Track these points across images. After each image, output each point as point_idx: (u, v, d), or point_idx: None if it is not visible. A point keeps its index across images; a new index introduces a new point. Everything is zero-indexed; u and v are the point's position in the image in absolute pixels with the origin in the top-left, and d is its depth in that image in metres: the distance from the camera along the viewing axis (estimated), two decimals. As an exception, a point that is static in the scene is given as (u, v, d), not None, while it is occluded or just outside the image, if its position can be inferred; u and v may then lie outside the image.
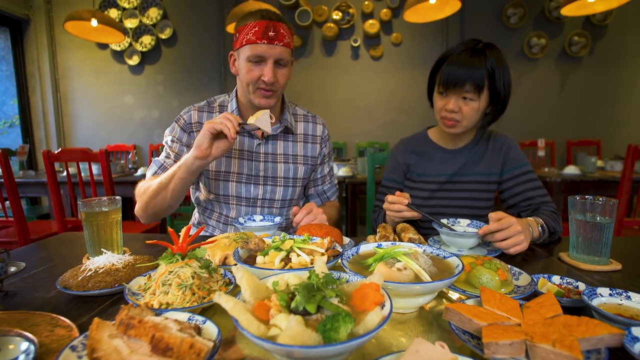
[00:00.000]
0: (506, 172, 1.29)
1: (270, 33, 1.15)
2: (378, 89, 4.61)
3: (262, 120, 1.06)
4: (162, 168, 1.29)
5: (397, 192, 1.12)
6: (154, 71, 4.74)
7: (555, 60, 4.43)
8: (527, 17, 4.32)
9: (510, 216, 0.98)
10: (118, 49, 4.67)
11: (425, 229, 1.38)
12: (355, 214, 3.04)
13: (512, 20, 4.34)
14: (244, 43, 1.17)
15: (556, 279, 0.78)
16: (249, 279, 0.56)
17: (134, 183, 3.03)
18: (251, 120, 1.06)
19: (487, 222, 1.06)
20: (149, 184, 1.22)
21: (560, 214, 1.22)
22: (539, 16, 4.36)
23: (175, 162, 1.28)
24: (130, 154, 3.92)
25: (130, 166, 3.74)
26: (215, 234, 1.38)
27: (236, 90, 1.36)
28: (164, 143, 1.35)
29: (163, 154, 1.33)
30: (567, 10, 3.01)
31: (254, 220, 1.20)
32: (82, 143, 4.85)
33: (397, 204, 1.10)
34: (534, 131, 4.47)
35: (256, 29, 1.15)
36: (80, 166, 2.47)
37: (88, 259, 0.96)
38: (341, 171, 3.06)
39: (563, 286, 0.76)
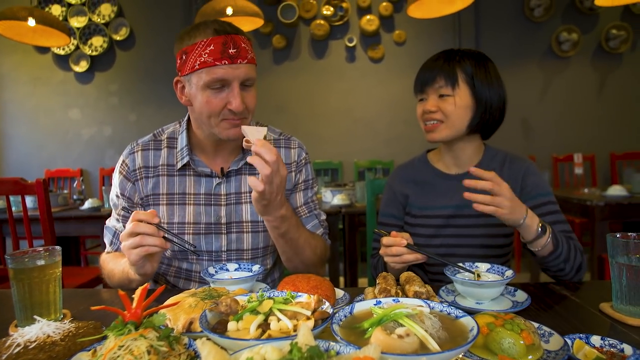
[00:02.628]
0: (524, 202, 1.31)
1: (230, 50, 1.13)
2: (379, 97, 4.71)
3: (253, 132, 1.08)
4: (117, 237, 1.34)
5: (393, 233, 1.14)
6: (107, 79, 4.80)
7: (590, 58, 4.59)
8: (554, 9, 4.51)
9: (496, 176, 1.08)
10: (62, 52, 4.74)
11: (434, 274, 1.39)
12: (354, 250, 3.04)
13: (537, 13, 4.52)
14: (197, 67, 1.14)
15: (596, 339, 0.79)
16: (218, 355, 0.57)
17: (79, 219, 3.07)
18: (247, 132, 1.08)
19: (507, 264, 1.09)
20: (111, 267, 1.27)
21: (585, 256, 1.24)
22: (568, 7, 4.55)
23: (125, 226, 1.32)
24: (76, 182, 3.90)
25: (75, 197, 3.71)
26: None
27: (188, 120, 1.36)
28: (110, 200, 1.39)
29: (113, 215, 1.38)
30: (602, 0, 3.13)
31: (227, 269, 1.20)
32: (15, 168, 4.83)
33: (394, 246, 1.11)
34: (569, 143, 4.57)
35: (211, 47, 1.13)
36: (11, 199, 2.45)
37: (17, 327, 0.94)
38: (336, 199, 3.08)
39: (605, 349, 0.76)
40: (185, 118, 1.37)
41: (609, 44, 4.52)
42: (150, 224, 1.04)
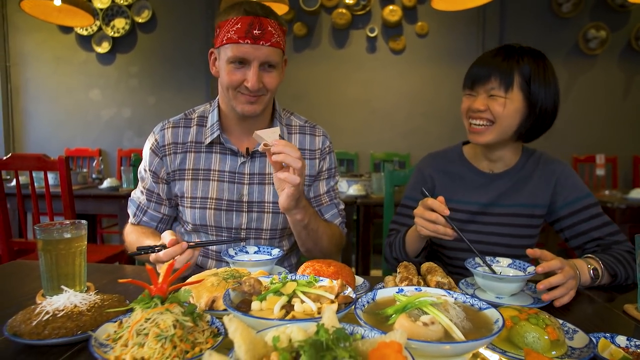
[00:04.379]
0: (563, 207, 1.29)
1: (255, 31, 1.19)
2: (399, 89, 4.66)
3: (267, 134, 1.10)
4: (140, 210, 1.41)
5: (440, 198, 1.09)
6: (127, 61, 4.84)
7: (617, 57, 4.48)
8: (583, 5, 4.39)
9: (562, 261, 1.00)
10: (85, 33, 4.78)
11: (454, 267, 1.38)
12: (368, 241, 3.04)
13: (565, 9, 4.41)
14: (224, 42, 1.22)
15: (621, 340, 0.78)
16: (244, 332, 0.57)
17: (98, 197, 3.11)
18: (262, 136, 1.10)
19: (529, 262, 1.07)
20: (133, 242, 1.34)
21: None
22: (597, 4, 4.42)
23: (148, 200, 1.39)
24: (95, 161, 3.96)
25: (94, 176, 3.77)
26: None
27: (219, 98, 1.40)
28: (138, 172, 1.44)
29: (139, 186, 1.43)
30: (633, -2, 3.04)
31: (246, 252, 1.21)
32: (37, 146, 4.92)
33: (435, 213, 1.08)
34: (591, 144, 4.48)
35: (238, 25, 1.20)
36: (34, 175, 2.50)
37: (43, 297, 0.97)
38: (352, 189, 3.08)
39: (631, 350, 0.75)
40: (216, 99, 1.41)
41: (639, 43, 4.40)
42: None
